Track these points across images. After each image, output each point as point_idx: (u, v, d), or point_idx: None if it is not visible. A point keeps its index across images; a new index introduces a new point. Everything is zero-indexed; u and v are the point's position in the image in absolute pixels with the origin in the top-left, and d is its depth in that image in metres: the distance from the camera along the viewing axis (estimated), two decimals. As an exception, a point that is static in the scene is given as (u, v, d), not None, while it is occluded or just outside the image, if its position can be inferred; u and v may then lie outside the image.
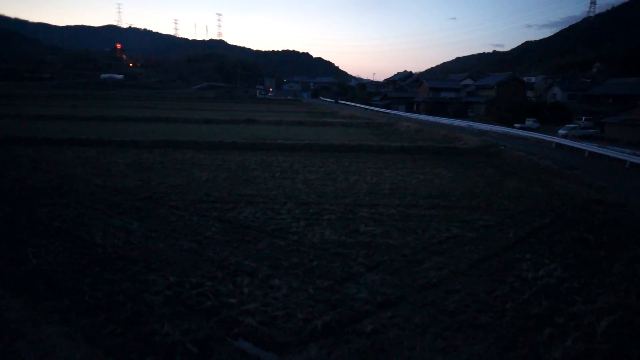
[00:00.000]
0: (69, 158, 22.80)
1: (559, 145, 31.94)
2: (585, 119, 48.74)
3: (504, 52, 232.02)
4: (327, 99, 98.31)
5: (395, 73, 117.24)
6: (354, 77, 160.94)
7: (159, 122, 42.22)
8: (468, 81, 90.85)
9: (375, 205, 15.58)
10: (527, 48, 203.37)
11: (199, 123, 42.41)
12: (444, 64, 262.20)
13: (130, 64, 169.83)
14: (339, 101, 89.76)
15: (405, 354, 7.08)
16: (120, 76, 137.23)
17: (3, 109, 46.00)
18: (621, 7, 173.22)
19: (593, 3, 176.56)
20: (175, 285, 9.10)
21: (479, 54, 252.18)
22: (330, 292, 9.04)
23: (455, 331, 7.81)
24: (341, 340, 7.43)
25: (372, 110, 67.75)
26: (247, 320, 7.83)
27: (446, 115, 61.12)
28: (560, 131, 41.98)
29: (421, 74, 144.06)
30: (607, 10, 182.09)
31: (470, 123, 47.43)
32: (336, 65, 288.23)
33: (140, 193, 16.26)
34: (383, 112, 62.39)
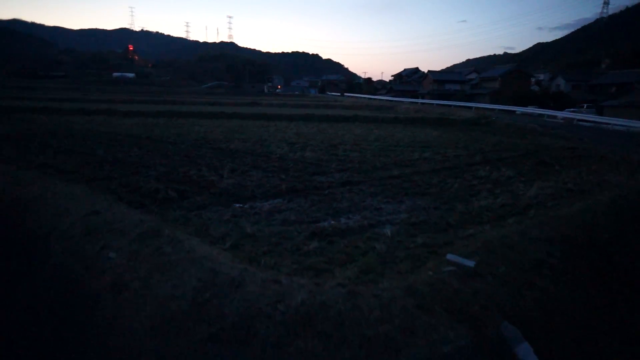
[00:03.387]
0: (79, 121, 24.28)
1: (551, 117, 32.77)
2: (587, 107, 49.38)
3: (514, 53, 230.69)
4: (334, 93, 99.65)
5: (403, 69, 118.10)
6: (363, 78, 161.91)
7: (166, 104, 43.78)
8: (473, 75, 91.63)
9: (358, 144, 16.77)
10: (538, 50, 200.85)
11: (204, 105, 43.87)
12: (454, 65, 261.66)
13: (141, 63, 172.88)
14: (345, 94, 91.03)
15: (354, 202, 8.27)
16: (131, 75, 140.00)
17: (20, 94, 48.00)
18: (635, 7, 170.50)
19: (606, 4, 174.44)
20: (165, 172, 10.40)
21: (489, 56, 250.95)
22: (300, 179, 10.24)
23: (403, 195, 9.00)
24: (301, 196, 8.66)
25: (376, 98, 68.87)
26: (222, 186, 9.10)
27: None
28: (560, 116, 42.76)
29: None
30: (621, 11, 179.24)
31: (473, 104, 48.29)
32: (346, 66, 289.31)
33: (142, 136, 17.64)
34: (387, 100, 63.43)
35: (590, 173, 11.99)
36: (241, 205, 8.10)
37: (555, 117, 32.83)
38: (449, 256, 5.11)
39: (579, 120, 28.86)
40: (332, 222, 7.06)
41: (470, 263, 4.96)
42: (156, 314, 4.20)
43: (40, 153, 12.65)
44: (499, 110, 39.93)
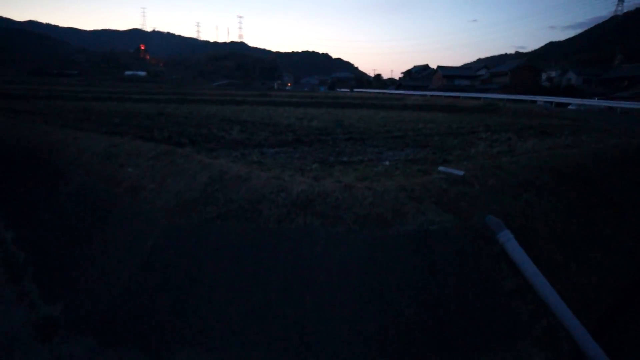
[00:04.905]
0: (94, 104, 25.00)
1: (558, 104, 32.82)
2: (598, 99, 49.26)
3: (525, 52, 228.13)
4: (343, 89, 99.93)
5: (412, 67, 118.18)
6: (373, 75, 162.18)
7: (176, 94, 44.57)
8: (483, 71, 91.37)
9: (363, 120, 17.17)
10: (550, 48, 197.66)
11: (214, 95, 44.59)
12: (465, 64, 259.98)
13: (153, 62, 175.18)
14: (354, 90, 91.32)
15: (357, 150, 8.69)
16: (143, 73, 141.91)
17: (36, 87, 49.20)
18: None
19: (621, 1, 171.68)
20: (177, 131, 10.89)
21: (501, 55, 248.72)
22: (305, 136, 10.67)
23: (404, 146, 9.40)
24: (306, 145, 9.10)
25: (385, 92, 69.13)
26: (231, 138, 9.57)
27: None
28: (570, 107, 42.77)
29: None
30: (637, 9, 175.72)
31: (483, 95, 48.48)
32: (355, 65, 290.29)
33: (154, 113, 18.23)
34: (396, 93, 63.67)
35: (590, 138, 12.24)
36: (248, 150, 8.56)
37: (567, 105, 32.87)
38: (440, 168, 5.51)
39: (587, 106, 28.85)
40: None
41: (460, 172, 5.35)
42: (170, 203, 4.66)
43: (59, 119, 13.25)
44: (508, 99, 40.00)
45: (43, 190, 6.60)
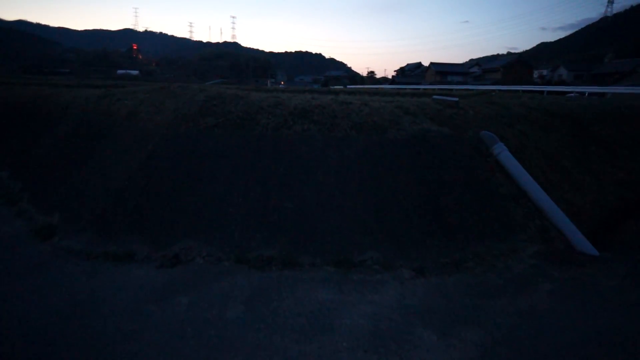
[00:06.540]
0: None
1: (550, 92, 33.16)
2: (588, 94, 49.72)
3: (517, 52, 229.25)
4: (337, 87, 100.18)
5: (405, 64, 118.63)
6: (366, 74, 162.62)
7: (171, 87, 44.53)
8: (475, 69, 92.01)
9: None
10: (542, 49, 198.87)
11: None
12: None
13: (145, 61, 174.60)
14: (347, 86, 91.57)
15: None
16: (135, 72, 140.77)
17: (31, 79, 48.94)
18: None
19: (611, 2, 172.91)
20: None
21: (492, 55, 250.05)
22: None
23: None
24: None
25: (379, 87, 69.37)
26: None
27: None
28: (569, 95, 43.16)
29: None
30: (625, 10, 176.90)
31: (474, 87, 48.85)
32: (349, 65, 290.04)
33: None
34: (390, 88, 63.92)
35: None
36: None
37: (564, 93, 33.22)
38: (435, 96, 5.58)
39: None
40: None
41: (455, 98, 5.42)
42: (168, 118, 4.69)
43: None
44: (501, 90, 40.31)
45: (36, 132, 6.59)
